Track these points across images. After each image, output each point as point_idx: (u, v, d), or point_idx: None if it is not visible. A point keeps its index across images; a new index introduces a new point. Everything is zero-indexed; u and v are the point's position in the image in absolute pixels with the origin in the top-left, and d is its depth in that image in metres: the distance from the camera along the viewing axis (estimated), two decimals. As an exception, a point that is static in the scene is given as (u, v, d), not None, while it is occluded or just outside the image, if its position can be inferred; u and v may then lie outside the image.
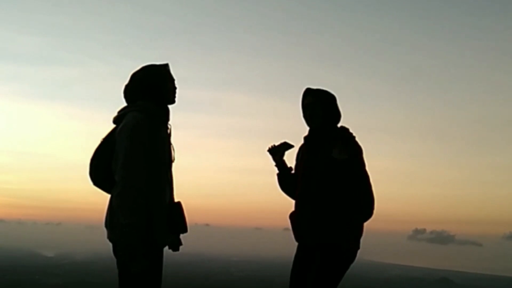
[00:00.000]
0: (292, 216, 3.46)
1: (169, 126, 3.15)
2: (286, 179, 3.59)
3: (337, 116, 3.47)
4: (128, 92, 3.14)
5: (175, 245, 3.14)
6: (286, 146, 3.61)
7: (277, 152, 3.61)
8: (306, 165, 3.46)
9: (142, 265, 2.85)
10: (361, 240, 3.39)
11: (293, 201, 3.51)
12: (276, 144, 3.61)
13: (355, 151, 3.31)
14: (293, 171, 3.59)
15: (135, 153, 2.88)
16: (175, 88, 3.18)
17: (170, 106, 3.17)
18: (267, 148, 3.63)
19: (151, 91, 3.08)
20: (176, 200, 3.20)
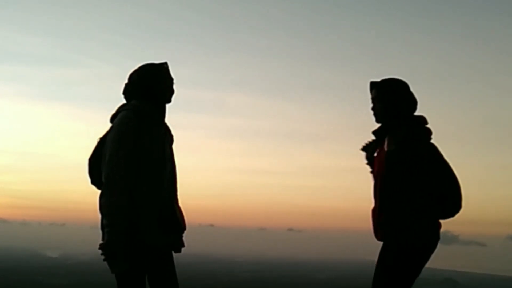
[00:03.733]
0: (372, 211, 3.33)
1: (165, 125, 3.13)
2: None
3: (404, 106, 3.28)
4: (127, 91, 3.13)
5: (176, 246, 3.13)
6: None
7: (369, 148, 3.48)
8: (376, 161, 3.36)
9: (122, 266, 2.81)
10: (433, 236, 3.17)
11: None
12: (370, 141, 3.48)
13: (405, 139, 3.15)
14: None
15: (118, 153, 2.86)
16: (172, 87, 3.15)
17: (169, 106, 3.13)
18: (361, 147, 3.49)
19: (147, 90, 3.05)
20: (180, 200, 3.20)
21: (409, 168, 3.13)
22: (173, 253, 3.11)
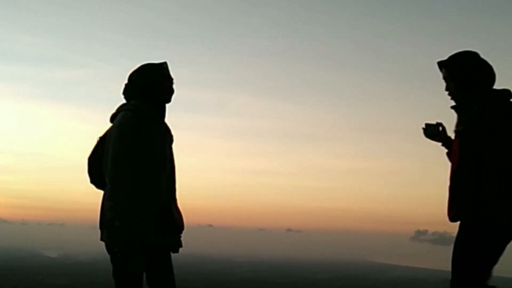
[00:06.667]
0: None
1: (164, 125, 3.14)
2: None
3: (476, 79, 3.04)
4: (127, 91, 3.15)
5: (174, 246, 3.14)
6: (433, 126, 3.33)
7: (434, 133, 3.30)
8: (454, 141, 3.19)
9: (140, 266, 2.85)
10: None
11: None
12: (424, 127, 3.32)
13: (474, 117, 2.97)
14: None
15: (120, 154, 2.88)
16: (171, 87, 3.16)
17: (169, 106, 3.15)
18: (425, 132, 3.27)
19: (146, 90, 3.07)
20: (179, 200, 3.21)
21: (479, 148, 2.93)
22: (171, 253, 3.13)
